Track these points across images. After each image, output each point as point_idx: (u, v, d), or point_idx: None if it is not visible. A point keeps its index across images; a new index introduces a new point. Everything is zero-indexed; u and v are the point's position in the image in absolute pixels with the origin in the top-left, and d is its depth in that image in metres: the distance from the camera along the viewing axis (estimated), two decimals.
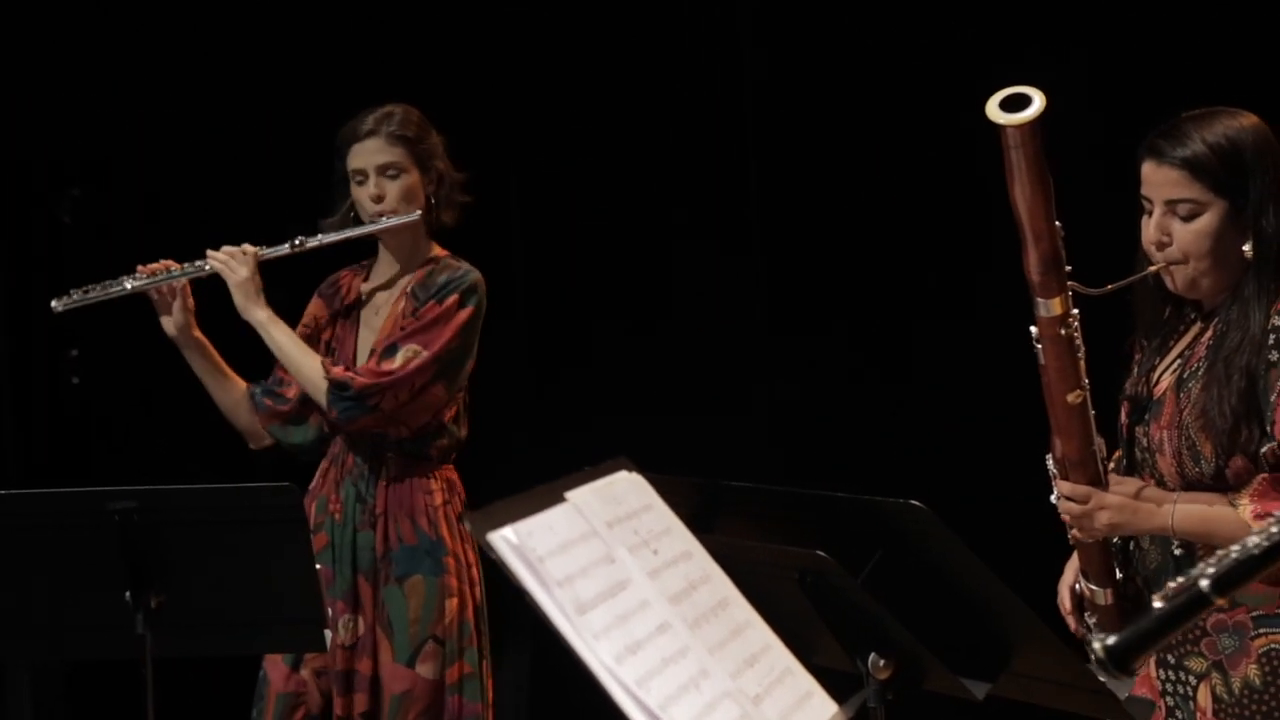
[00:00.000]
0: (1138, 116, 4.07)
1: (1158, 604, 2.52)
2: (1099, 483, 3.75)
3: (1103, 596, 3.94)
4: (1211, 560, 2.49)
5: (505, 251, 7.36)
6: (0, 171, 6.67)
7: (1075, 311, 3.63)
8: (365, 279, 5.11)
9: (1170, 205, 3.75)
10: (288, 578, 4.08)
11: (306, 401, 4.98)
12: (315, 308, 5.16)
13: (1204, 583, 2.47)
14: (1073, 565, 4.06)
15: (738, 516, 3.51)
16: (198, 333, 4.91)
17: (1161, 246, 3.78)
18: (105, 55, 6.82)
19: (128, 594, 4.03)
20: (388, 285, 5.04)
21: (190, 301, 4.89)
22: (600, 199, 7.81)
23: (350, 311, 5.05)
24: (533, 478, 2.94)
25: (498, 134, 7.49)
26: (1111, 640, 2.52)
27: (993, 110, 3.43)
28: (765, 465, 7.45)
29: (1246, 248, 3.73)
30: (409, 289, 4.98)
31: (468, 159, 7.07)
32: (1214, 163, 3.69)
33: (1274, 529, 2.49)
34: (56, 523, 4.10)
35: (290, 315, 5.04)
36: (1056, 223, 3.59)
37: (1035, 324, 3.65)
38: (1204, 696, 3.83)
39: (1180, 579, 2.48)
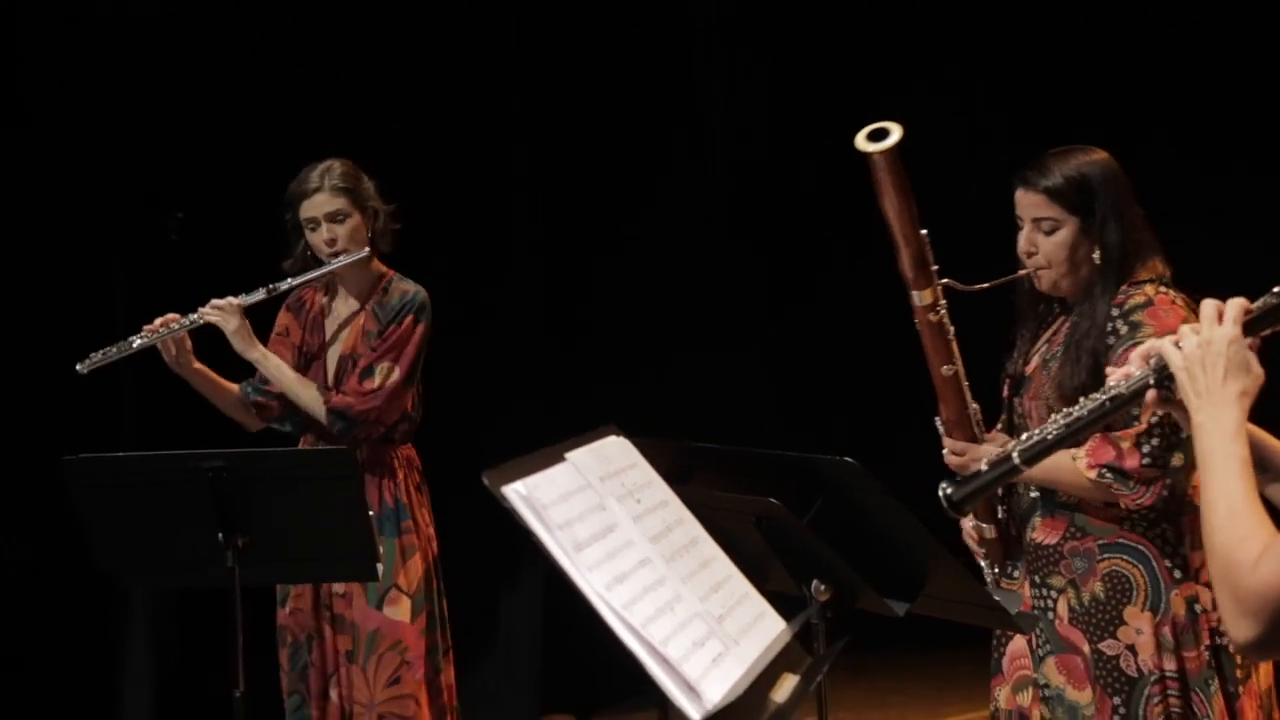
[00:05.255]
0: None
1: (984, 468, 2.73)
2: (976, 439, 3.86)
3: (990, 531, 4.01)
4: (1022, 441, 2.62)
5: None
6: (118, 196, 6.63)
7: (944, 301, 3.74)
8: (325, 294, 5.09)
9: (1036, 222, 3.88)
10: (345, 522, 4.07)
11: (287, 399, 4.98)
12: (285, 318, 5.13)
13: (1015, 457, 2.62)
14: None
15: (705, 471, 3.49)
16: (196, 365, 4.90)
17: (1030, 255, 3.90)
18: (214, 97, 6.79)
19: (220, 535, 4.02)
20: (348, 304, 5.03)
21: (188, 344, 4.87)
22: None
23: (316, 324, 5.04)
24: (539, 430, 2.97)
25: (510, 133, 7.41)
26: (950, 491, 2.79)
27: (860, 141, 3.57)
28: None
29: (1095, 255, 3.84)
30: (369, 308, 4.98)
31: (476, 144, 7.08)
32: (1067, 189, 3.83)
33: (1061, 420, 2.57)
34: (163, 479, 4.08)
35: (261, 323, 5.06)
36: (923, 230, 3.69)
37: (912, 312, 3.77)
38: (1062, 607, 3.88)
39: (999, 452, 2.71)
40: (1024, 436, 2.62)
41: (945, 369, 3.78)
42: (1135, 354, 2.47)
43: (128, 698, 6.57)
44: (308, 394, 4.88)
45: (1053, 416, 2.58)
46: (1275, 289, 2.30)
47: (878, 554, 3.40)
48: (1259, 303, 2.30)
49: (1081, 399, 2.54)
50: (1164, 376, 2.37)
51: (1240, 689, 3.79)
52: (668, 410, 5.85)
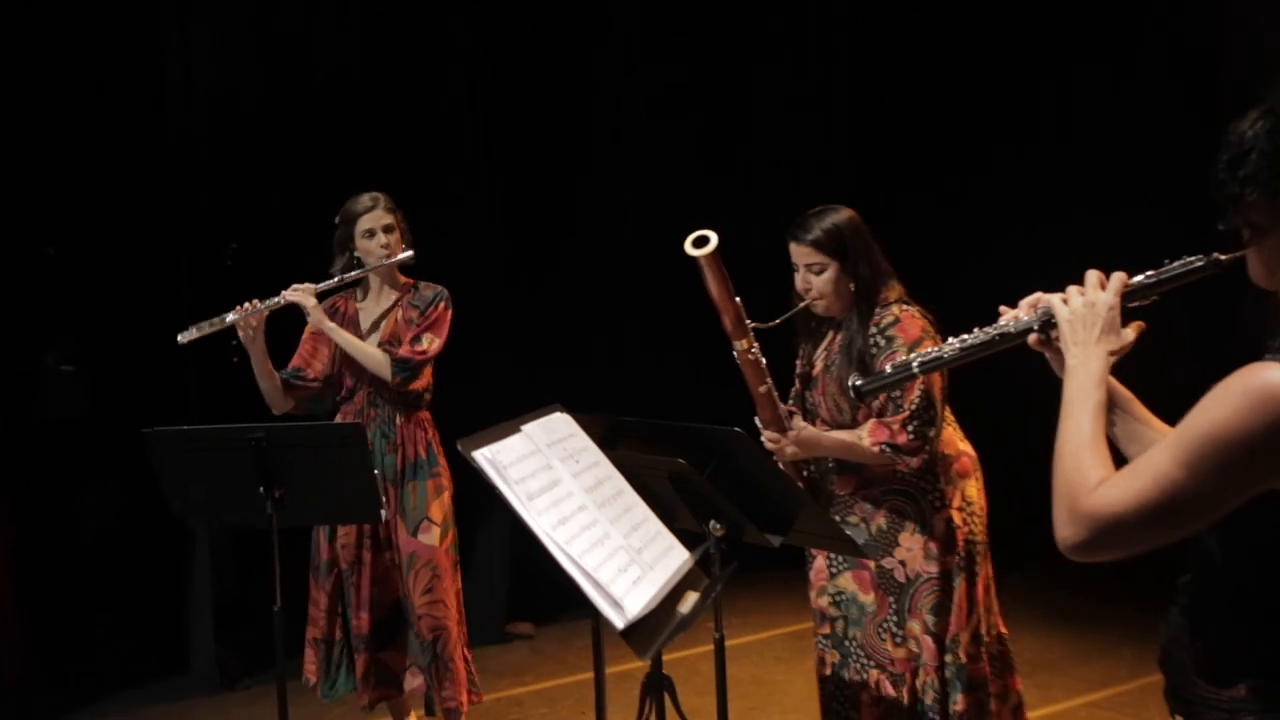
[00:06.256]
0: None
1: (888, 369, 2.57)
2: (784, 431, 3.88)
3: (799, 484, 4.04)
4: (921, 354, 2.47)
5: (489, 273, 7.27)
6: (184, 229, 6.58)
7: (756, 344, 3.81)
8: (358, 301, 5.02)
9: (808, 267, 3.93)
10: (355, 478, 4.01)
11: (325, 384, 4.93)
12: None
13: (914, 366, 2.47)
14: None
15: (629, 439, 3.49)
16: (263, 343, 4.75)
17: (807, 291, 3.96)
18: (262, 156, 6.74)
19: (261, 488, 3.96)
20: (380, 304, 4.97)
21: (263, 326, 4.75)
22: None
23: (351, 322, 4.96)
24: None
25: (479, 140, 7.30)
26: (860, 383, 2.65)
27: (687, 247, 3.67)
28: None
29: (852, 286, 3.92)
30: (403, 305, 4.93)
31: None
32: (826, 240, 3.90)
33: (956, 344, 2.40)
34: (218, 446, 4.00)
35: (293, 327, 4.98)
36: (737, 299, 3.75)
37: (735, 353, 3.82)
38: (858, 538, 3.92)
39: (902, 360, 2.54)
40: (926, 350, 2.48)
41: (761, 388, 3.84)
42: (1023, 302, 2.34)
43: (194, 611, 6.51)
44: (374, 353, 4.80)
45: (949, 340, 2.42)
46: (1148, 272, 2.20)
47: (759, 500, 3.41)
48: (1135, 279, 2.20)
49: (976, 329, 2.39)
50: (1047, 325, 2.26)
51: (976, 579, 3.92)
52: (603, 390, 5.80)
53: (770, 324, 3.88)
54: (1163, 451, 1.88)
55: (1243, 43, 6.55)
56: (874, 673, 3.91)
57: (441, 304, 4.89)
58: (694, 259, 3.67)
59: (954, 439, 3.97)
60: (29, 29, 6.32)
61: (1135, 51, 7.38)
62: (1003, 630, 4.03)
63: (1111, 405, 2.20)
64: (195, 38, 6.59)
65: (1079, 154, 7.63)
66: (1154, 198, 6.90)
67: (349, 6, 7.11)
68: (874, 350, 3.83)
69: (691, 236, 3.66)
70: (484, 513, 6.92)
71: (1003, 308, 2.38)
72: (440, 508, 4.84)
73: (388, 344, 4.85)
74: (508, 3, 7.36)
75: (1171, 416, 1.98)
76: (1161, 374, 2.67)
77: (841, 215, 3.94)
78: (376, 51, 7.09)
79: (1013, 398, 5.21)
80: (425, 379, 4.86)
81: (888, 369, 2.56)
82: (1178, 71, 7.07)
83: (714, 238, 3.64)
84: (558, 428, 3.07)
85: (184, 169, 6.56)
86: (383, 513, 4.13)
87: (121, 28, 6.50)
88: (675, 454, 3.26)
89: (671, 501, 3.33)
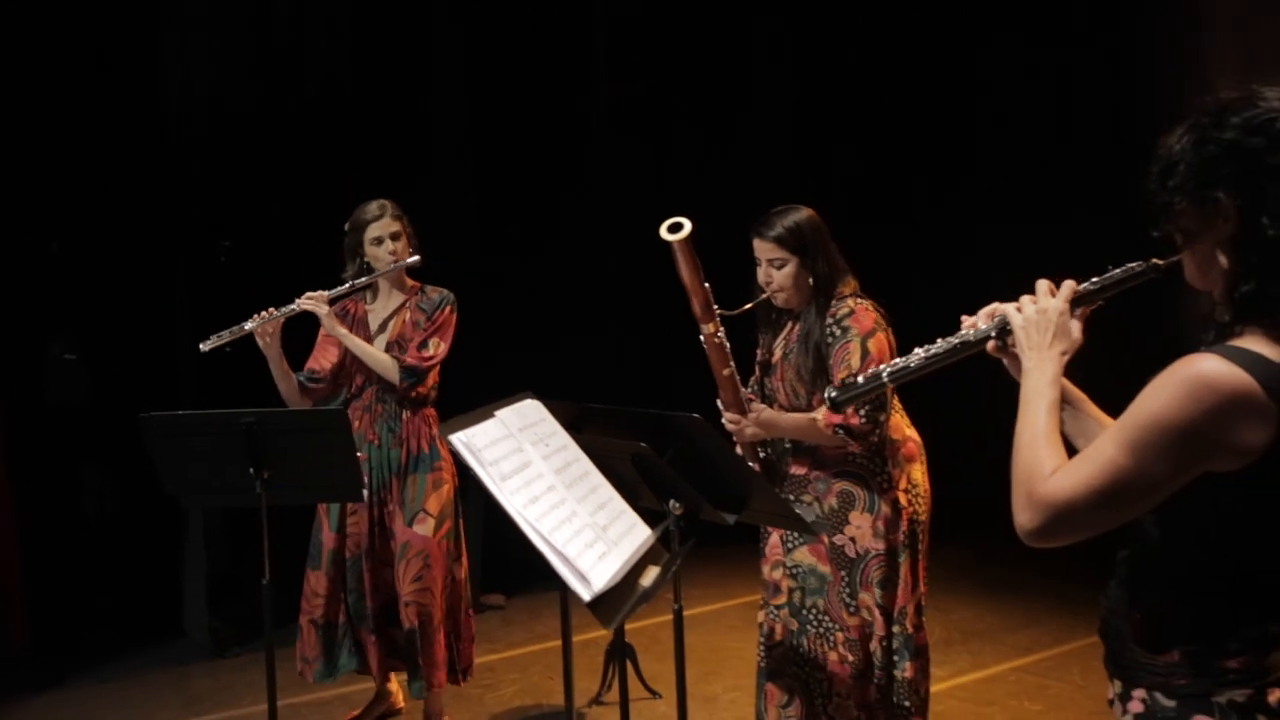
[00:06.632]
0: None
1: (860, 380, 2.47)
2: (744, 413, 3.86)
3: (755, 466, 4.00)
4: (891, 364, 2.39)
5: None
6: (181, 228, 6.51)
7: (722, 328, 3.78)
8: (366, 302, 4.93)
9: (770, 261, 3.89)
10: (338, 460, 3.96)
11: (334, 382, 4.83)
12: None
13: (885, 376, 2.39)
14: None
15: (595, 423, 3.45)
16: (279, 348, 4.68)
17: (768, 284, 3.92)
18: (254, 159, 6.67)
19: (251, 469, 3.91)
20: (388, 306, 4.88)
21: (279, 332, 4.67)
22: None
23: (360, 323, 4.88)
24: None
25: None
26: (834, 394, 2.51)
27: (663, 232, 3.63)
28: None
29: (810, 280, 3.88)
30: (411, 307, 4.86)
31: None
32: (788, 237, 3.85)
33: (922, 353, 2.33)
34: (212, 430, 3.93)
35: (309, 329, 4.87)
36: (706, 284, 3.72)
37: (701, 336, 3.80)
38: (810, 515, 3.90)
39: (868, 373, 2.43)
40: (894, 361, 2.40)
41: (725, 371, 3.82)
42: (982, 312, 2.29)
43: (188, 583, 6.46)
44: (383, 358, 4.72)
45: (914, 350, 2.35)
46: (1094, 278, 2.18)
47: (715, 480, 3.38)
48: (1083, 286, 2.17)
49: (939, 339, 2.32)
50: (1004, 332, 2.22)
51: (919, 555, 3.91)
52: (569, 377, 5.76)
53: (736, 311, 3.84)
54: (1108, 440, 1.89)
55: (1236, 43, 6.39)
56: (839, 635, 3.89)
57: (447, 308, 4.82)
58: (668, 244, 3.62)
59: (901, 426, 3.95)
60: (36, 38, 6.24)
61: (1135, 52, 7.28)
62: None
63: (1064, 403, 2.19)
64: (192, 42, 6.53)
65: (1079, 154, 7.51)
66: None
67: (340, 13, 7.05)
68: (830, 340, 3.81)
69: (667, 222, 3.61)
70: (459, 492, 6.88)
71: (964, 317, 2.34)
72: (438, 500, 4.76)
73: (395, 344, 4.78)
74: (502, 5, 7.30)
75: (1120, 410, 1.95)
76: (1110, 371, 2.63)
77: (802, 214, 3.90)
78: (368, 57, 7.04)
79: (956, 390, 5.19)
80: (434, 376, 4.79)
81: (860, 380, 2.48)
82: (1173, 71, 6.97)
83: (688, 224, 3.59)
84: (529, 413, 3.04)
85: (179, 169, 6.49)
86: (365, 493, 4.05)
87: (123, 32, 6.43)
88: (638, 438, 3.23)
89: (634, 482, 3.30)
